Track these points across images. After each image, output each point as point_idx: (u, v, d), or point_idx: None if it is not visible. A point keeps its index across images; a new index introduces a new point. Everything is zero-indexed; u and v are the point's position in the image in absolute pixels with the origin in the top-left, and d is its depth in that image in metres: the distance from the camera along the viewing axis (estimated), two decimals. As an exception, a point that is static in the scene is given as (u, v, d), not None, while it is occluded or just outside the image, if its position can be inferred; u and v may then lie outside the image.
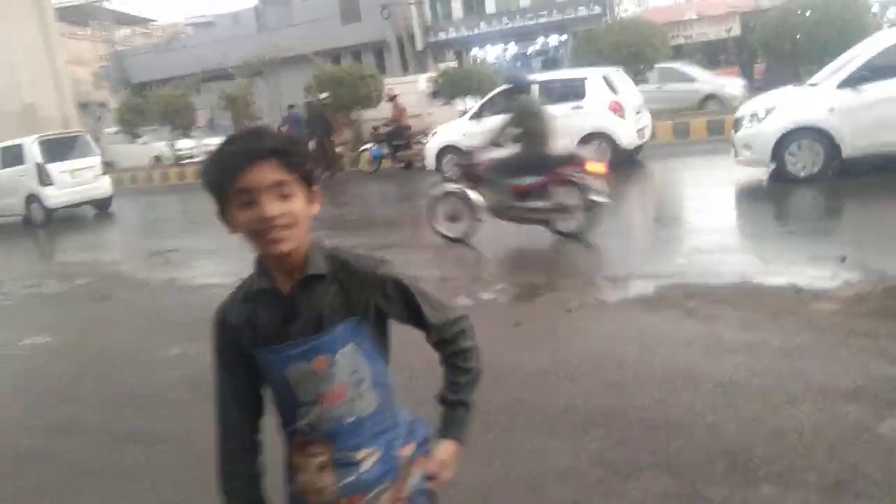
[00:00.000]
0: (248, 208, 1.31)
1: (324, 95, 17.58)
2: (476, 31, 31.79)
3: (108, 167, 25.09)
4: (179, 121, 22.56)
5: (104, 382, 4.87)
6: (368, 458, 1.46)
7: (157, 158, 24.72)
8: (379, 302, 1.44)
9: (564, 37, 31.18)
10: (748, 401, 3.43)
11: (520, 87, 7.74)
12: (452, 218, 7.62)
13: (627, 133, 11.45)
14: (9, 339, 6.25)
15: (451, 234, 7.58)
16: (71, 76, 28.16)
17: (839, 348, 3.90)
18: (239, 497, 1.50)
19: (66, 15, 35.56)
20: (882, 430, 3.03)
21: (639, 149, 12.13)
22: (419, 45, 31.01)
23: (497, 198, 7.36)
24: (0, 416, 4.49)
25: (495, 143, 7.54)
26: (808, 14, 14.25)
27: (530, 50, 35.78)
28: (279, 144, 1.32)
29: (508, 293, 5.86)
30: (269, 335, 1.41)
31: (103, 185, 15.28)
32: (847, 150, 8.08)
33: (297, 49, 24.23)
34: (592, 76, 11.92)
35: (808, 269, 5.36)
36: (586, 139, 11.25)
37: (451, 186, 7.83)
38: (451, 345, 1.54)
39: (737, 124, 9.15)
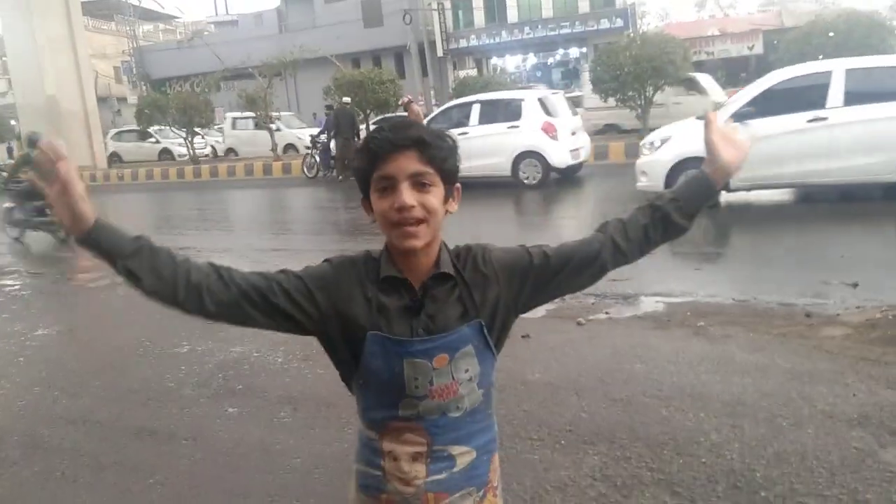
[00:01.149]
0: (387, 196, 1.33)
1: (346, 100, 17.80)
2: (497, 40, 31.92)
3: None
4: (198, 118, 22.75)
5: (117, 377, 4.94)
6: (463, 457, 1.44)
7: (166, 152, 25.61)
8: (499, 280, 1.45)
9: (585, 49, 31.24)
10: (754, 422, 3.44)
11: None
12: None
13: (559, 153, 12.24)
14: (24, 329, 6.34)
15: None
16: (93, 70, 28.44)
17: (847, 374, 3.91)
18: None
19: (91, 9, 35.97)
20: (885, 457, 3.04)
21: (576, 168, 12.87)
22: (439, 52, 31.13)
23: None
24: (17, 406, 4.56)
25: None
26: (831, 35, 14.23)
27: (550, 61, 35.90)
28: (424, 136, 1.34)
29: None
30: (392, 324, 1.38)
31: None
32: (733, 183, 8.03)
33: (318, 51, 24.37)
34: (529, 98, 12.87)
35: (821, 294, 5.37)
36: (521, 157, 12.35)
37: None
38: (612, 242, 1.51)
39: (640, 151, 9.66)
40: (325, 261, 1.46)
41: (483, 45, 32.59)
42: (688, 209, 1.50)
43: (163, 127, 24.55)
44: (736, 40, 29.20)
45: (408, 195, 1.31)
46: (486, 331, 1.42)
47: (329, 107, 18.79)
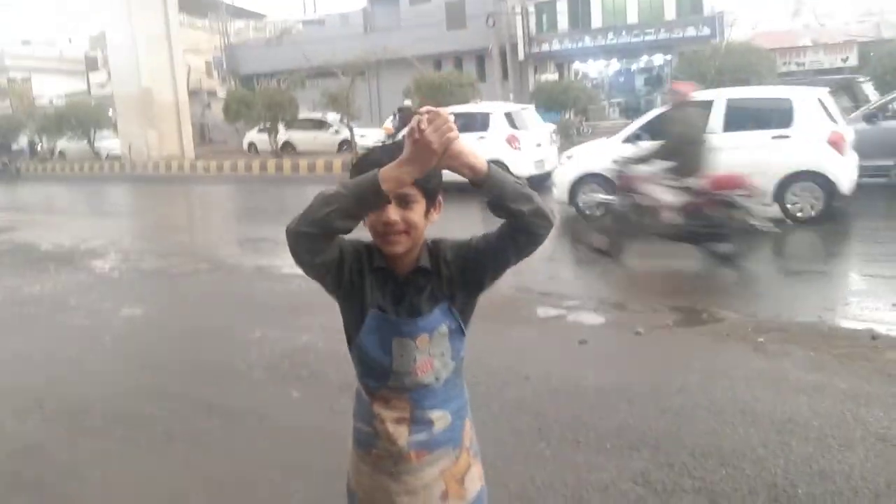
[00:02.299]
0: (376, 211, 1.54)
1: (407, 102, 18.20)
2: (580, 45, 31.63)
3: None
4: (282, 114, 23.43)
5: (193, 356, 5.26)
6: (440, 421, 1.67)
7: (252, 146, 25.93)
8: (452, 269, 1.65)
9: (669, 56, 30.70)
10: (803, 440, 3.44)
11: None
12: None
13: (523, 163, 12.82)
14: (111, 308, 6.77)
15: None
16: (185, 64, 29.60)
17: (907, 398, 3.85)
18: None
19: (186, 5, 37.35)
20: (935, 484, 3.01)
21: (543, 177, 12.91)
22: (521, 56, 31.12)
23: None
24: (102, 379, 4.92)
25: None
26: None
27: (634, 67, 35.37)
28: None
29: (578, 310, 5.96)
30: (382, 304, 1.63)
31: None
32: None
33: (401, 52, 24.75)
34: (496, 111, 13.68)
35: (888, 316, 5.26)
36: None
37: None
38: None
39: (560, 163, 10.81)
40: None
41: (565, 50, 32.36)
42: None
43: (339, 115, 23.39)
44: (829, 51, 28.14)
45: (392, 212, 1.53)
46: (451, 310, 1.65)
47: (400, 109, 19.16)
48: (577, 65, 34.41)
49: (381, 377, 1.66)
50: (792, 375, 4.25)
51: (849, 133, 9.12)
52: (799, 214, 8.83)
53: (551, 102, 18.97)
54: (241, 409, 4.20)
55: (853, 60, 26.73)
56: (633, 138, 9.09)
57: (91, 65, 46.80)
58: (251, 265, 8.67)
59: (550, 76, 30.69)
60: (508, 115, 13.64)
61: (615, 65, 35.64)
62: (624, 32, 30.85)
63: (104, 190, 20.79)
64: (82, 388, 4.71)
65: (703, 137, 7.22)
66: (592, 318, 5.78)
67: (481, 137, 13.08)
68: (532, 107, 15.77)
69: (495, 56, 29.50)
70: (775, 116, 9.22)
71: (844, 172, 8.77)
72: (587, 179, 9.92)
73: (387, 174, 1.43)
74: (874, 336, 4.83)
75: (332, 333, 5.43)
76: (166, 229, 13.36)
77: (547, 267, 7.36)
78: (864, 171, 9.59)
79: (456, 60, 32.51)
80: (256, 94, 24.09)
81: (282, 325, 5.78)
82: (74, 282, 8.12)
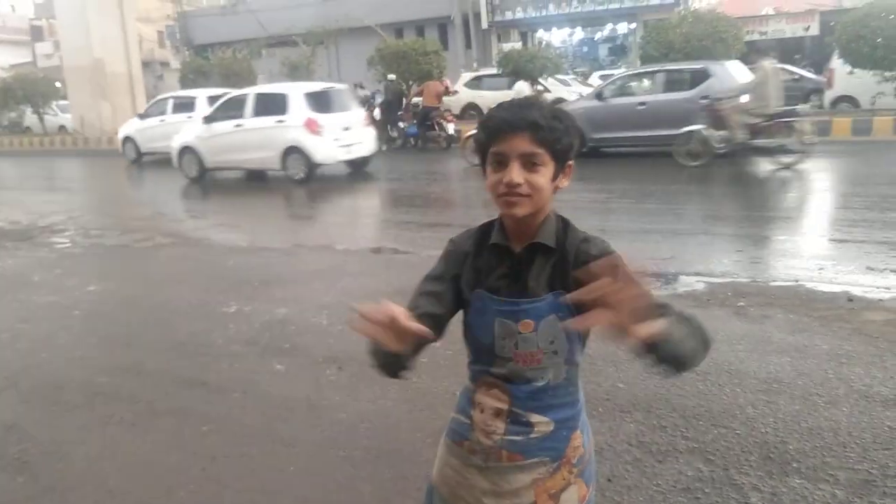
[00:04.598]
0: (499, 171, 1.43)
1: (392, 77, 18.00)
2: (543, 13, 31.41)
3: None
4: (240, 84, 22.97)
5: (168, 331, 5.15)
6: (541, 427, 1.53)
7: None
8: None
9: (634, 25, 30.73)
10: (789, 399, 3.51)
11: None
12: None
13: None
14: (77, 285, 6.59)
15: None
16: (138, 34, 28.76)
17: (886, 357, 3.94)
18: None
19: (138, -28, 36.21)
20: (920, 437, 3.09)
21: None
22: (484, 24, 30.85)
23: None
24: (76, 355, 4.79)
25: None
26: (891, 17, 13.86)
27: (598, 36, 35.37)
28: (539, 119, 1.41)
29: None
30: (491, 283, 1.51)
31: None
32: (207, 164, 13.62)
33: (362, 20, 24.36)
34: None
35: (862, 279, 5.37)
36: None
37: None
38: None
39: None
40: (450, 241, 1.61)
41: (529, 18, 32.13)
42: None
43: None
44: (791, 20, 28.41)
45: (516, 173, 1.40)
46: (570, 304, 1.42)
47: (390, 80, 18.75)
48: (540, 33, 34.28)
49: (485, 360, 1.54)
50: (774, 337, 4.32)
51: (322, 120, 12.48)
52: (296, 178, 12.65)
53: (517, 71, 18.85)
54: (225, 384, 4.12)
55: (815, 30, 27.08)
56: (210, 120, 13.48)
57: (37, 35, 45.22)
58: (219, 239, 8.52)
59: (515, 45, 30.50)
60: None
61: (579, 33, 35.62)
62: (588, 0, 30.76)
63: (57, 165, 20.21)
64: (56, 366, 4.58)
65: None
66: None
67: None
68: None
69: (458, 24, 29.22)
70: (279, 106, 12.75)
71: (319, 148, 12.42)
72: (187, 151, 13.79)
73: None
74: (850, 298, 4.93)
75: (308, 306, 5.42)
76: (126, 205, 13.06)
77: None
78: (603, 142, 12.88)
79: (418, 28, 32.10)
80: (213, 64, 23.55)
81: (256, 299, 5.68)
82: (35, 258, 7.89)
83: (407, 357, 1.43)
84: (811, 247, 6.62)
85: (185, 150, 13.81)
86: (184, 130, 14.28)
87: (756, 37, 27.02)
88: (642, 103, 12.71)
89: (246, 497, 2.99)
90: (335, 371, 4.20)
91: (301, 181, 12.61)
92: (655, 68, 13.90)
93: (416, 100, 18.28)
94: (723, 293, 5.22)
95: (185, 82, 24.14)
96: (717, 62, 13.11)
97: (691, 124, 11.19)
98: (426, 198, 11.23)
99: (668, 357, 1.31)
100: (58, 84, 28.98)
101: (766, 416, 3.35)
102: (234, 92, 14.42)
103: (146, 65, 33.26)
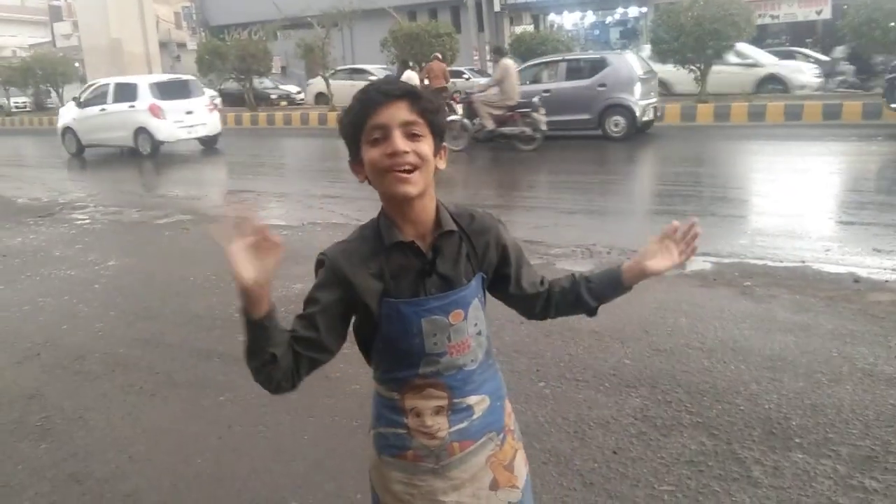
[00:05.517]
0: (379, 145, 1.35)
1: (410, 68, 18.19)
2: (556, -4, 31.28)
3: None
4: (256, 66, 23.04)
5: (185, 304, 5.26)
6: (479, 405, 1.51)
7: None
8: (496, 260, 1.53)
9: (645, 9, 30.50)
10: (793, 376, 3.57)
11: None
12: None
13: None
14: (97, 260, 6.72)
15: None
16: (155, 15, 28.86)
17: (891, 336, 3.99)
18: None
19: (154, -47, 36.25)
20: (921, 414, 3.15)
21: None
22: (497, 7, 30.73)
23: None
24: (97, 327, 4.91)
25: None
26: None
27: (609, 19, 35.13)
28: (412, 89, 1.39)
29: (565, 258, 6.03)
30: (404, 288, 1.42)
31: None
32: (83, 142, 16.53)
33: (376, 2, 24.32)
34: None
35: (868, 261, 5.41)
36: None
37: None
38: (547, 295, 1.63)
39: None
40: (319, 261, 1.46)
41: (541, 1, 32.03)
42: (597, 295, 1.63)
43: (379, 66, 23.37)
44: (803, 4, 28.13)
45: (400, 141, 1.33)
46: (483, 283, 1.50)
47: (404, 62, 18.90)
48: (552, 17, 34.10)
49: (411, 365, 1.45)
50: (780, 316, 4.38)
51: (165, 106, 15.45)
52: (144, 153, 15.75)
53: (529, 53, 18.82)
54: (241, 356, 4.17)
55: (827, 13, 26.80)
56: (82, 105, 16.58)
57: (55, 15, 45.39)
58: (234, 216, 8.61)
59: (527, 27, 30.37)
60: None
61: (590, 17, 35.38)
62: (600, -17, 30.56)
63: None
64: (77, 338, 4.71)
65: None
66: (580, 265, 5.84)
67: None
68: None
69: (470, 6, 29.11)
70: (132, 94, 15.74)
71: (161, 128, 15.46)
72: (65, 131, 16.86)
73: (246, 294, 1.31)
74: (856, 279, 4.97)
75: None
76: (143, 183, 13.21)
77: (531, 218, 7.46)
78: (557, 125, 13.39)
79: (431, 11, 32.04)
80: (230, 45, 23.60)
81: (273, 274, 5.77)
82: (56, 234, 8.04)
83: (269, 331, 1.34)
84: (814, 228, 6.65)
85: (66, 130, 16.87)
86: (63, 113, 17.53)
87: (768, 20, 26.83)
88: (547, 90, 13.82)
89: (261, 464, 3.09)
90: (349, 344, 4.26)
91: (148, 156, 15.63)
92: (559, 58, 15.18)
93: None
94: (729, 273, 5.27)
95: (202, 63, 24.22)
96: (615, 52, 15.03)
97: (590, 112, 13.43)
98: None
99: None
100: (76, 64, 29.19)
101: (769, 392, 3.42)
102: (101, 81, 17.72)
103: (163, 45, 33.37)
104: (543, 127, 12.39)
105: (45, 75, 27.15)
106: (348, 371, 3.91)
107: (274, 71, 27.66)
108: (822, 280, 5.04)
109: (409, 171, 1.34)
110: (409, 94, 1.37)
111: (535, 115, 12.36)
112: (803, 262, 5.47)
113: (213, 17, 39.01)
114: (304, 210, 8.82)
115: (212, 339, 4.55)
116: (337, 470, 3.01)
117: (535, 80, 14.54)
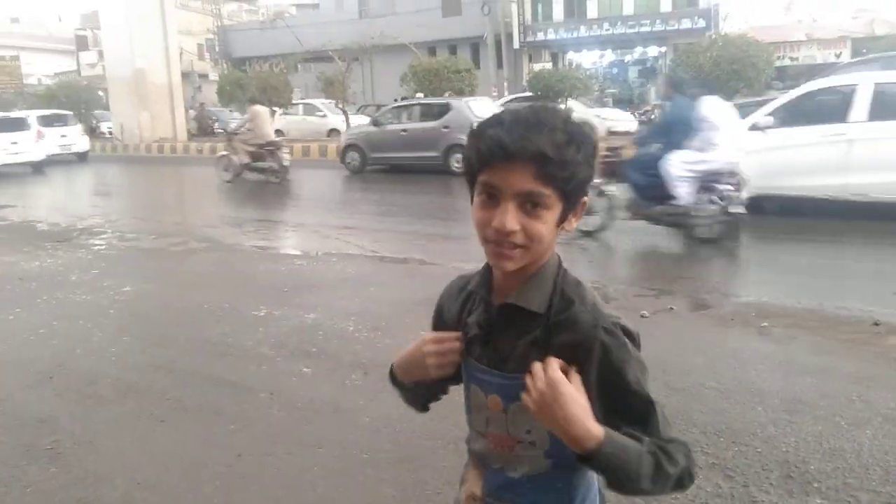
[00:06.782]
0: (488, 207, 1.11)
1: (419, 95, 18.36)
2: (575, 35, 31.68)
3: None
4: (277, 98, 23.35)
5: (199, 332, 5.26)
6: None
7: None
8: (595, 379, 1.16)
9: (664, 48, 30.77)
10: (812, 419, 3.50)
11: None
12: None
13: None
14: (113, 285, 6.75)
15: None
16: (179, 46, 29.40)
17: (911, 382, 3.92)
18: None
19: (180, -14, 37.07)
20: (943, 462, 3.08)
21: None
22: (516, 44, 31.13)
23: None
24: (110, 352, 4.92)
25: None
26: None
27: (628, 59, 35.45)
28: (548, 147, 1.06)
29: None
30: (472, 336, 1.26)
31: None
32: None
33: (396, 38, 24.68)
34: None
35: (888, 303, 5.34)
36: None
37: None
38: None
39: None
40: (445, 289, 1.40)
41: (560, 40, 32.40)
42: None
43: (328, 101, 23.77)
44: (823, 46, 28.35)
45: (510, 218, 1.08)
46: None
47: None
48: (571, 55, 34.44)
49: (471, 427, 1.33)
50: (798, 358, 4.31)
51: None
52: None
53: (547, 90, 18.98)
54: (253, 384, 4.21)
55: (846, 56, 26.89)
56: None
57: (81, 44, 46.36)
58: (250, 245, 8.66)
59: (545, 65, 30.67)
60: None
61: (609, 56, 35.71)
62: (619, 23, 30.94)
63: (97, 170, 20.69)
64: (90, 362, 4.71)
65: None
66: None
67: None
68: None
69: (490, 44, 29.49)
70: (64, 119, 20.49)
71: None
72: None
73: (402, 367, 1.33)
74: (876, 322, 4.91)
75: (337, 313, 5.50)
76: (162, 210, 13.32)
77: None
78: (378, 160, 16.09)
79: (451, 48, 32.48)
80: (250, 77, 23.98)
81: (286, 304, 5.78)
82: (73, 259, 8.09)
83: (434, 388, 1.37)
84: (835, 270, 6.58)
85: None
86: None
87: (787, 62, 26.98)
88: (405, 130, 15.95)
89: (270, 494, 3.06)
90: (360, 376, 4.27)
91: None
92: (413, 102, 17.62)
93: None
94: (747, 313, 5.21)
95: (223, 94, 24.58)
96: (458, 99, 16.52)
97: (437, 150, 14.92)
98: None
99: (601, 472, 1.17)
100: (100, 93, 29.72)
101: (787, 435, 3.36)
102: None
103: (185, 76, 33.89)
104: (286, 163, 14.26)
105: (69, 103, 27.66)
106: (359, 403, 3.89)
107: (295, 103, 28.03)
108: (841, 322, 4.98)
109: (513, 248, 1.11)
110: (538, 158, 1.06)
111: (278, 153, 14.19)
112: (821, 303, 5.40)
113: (235, 49, 39.74)
114: (321, 240, 8.85)
115: (224, 366, 4.54)
116: (347, 503, 2.97)
117: (396, 121, 16.44)
